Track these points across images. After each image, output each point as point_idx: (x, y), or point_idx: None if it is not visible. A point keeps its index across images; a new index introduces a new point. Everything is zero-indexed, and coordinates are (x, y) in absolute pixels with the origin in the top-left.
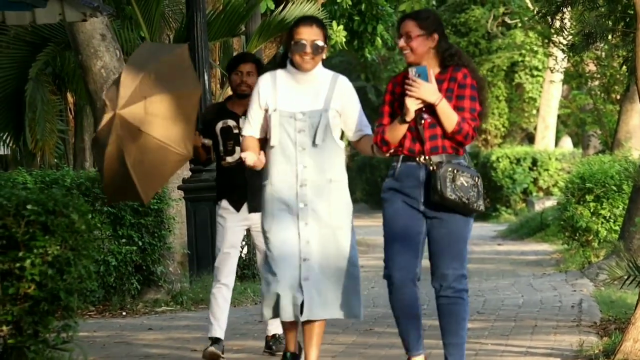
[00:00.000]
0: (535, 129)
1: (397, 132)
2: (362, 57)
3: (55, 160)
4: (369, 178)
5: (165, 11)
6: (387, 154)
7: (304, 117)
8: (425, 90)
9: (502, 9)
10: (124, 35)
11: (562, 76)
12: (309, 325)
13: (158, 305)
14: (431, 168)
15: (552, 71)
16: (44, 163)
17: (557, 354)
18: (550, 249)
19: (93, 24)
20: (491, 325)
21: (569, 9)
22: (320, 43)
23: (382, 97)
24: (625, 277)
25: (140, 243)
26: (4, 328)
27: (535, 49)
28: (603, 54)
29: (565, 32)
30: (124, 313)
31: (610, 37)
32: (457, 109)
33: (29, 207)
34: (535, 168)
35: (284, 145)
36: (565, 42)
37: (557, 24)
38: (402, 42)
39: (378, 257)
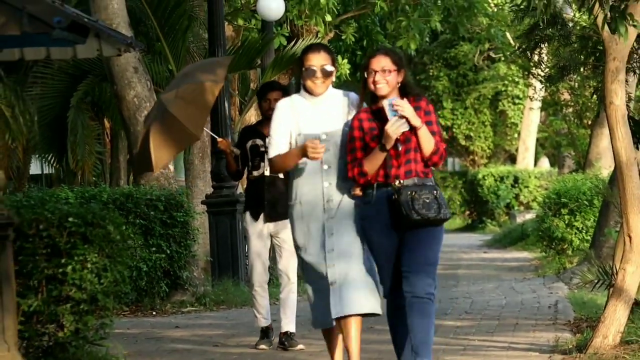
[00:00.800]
0: (516, 150)
1: (376, 161)
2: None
3: (94, 178)
4: None
5: (190, 47)
6: (364, 184)
7: (327, 137)
8: (410, 111)
9: (487, 45)
10: (154, 68)
11: (540, 104)
12: (345, 323)
13: (184, 306)
14: (394, 197)
15: (531, 99)
16: (83, 181)
17: (536, 348)
18: (530, 256)
19: (127, 58)
20: (477, 324)
21: (546, 44)
22: (329, 67)
23: (349, 134)
24: (596, 281)
25: (168, 251)
26: (49, 326)
27: (517, 79)
28: (576, 84)
29: (542, 65)
30: (154, 313)
31: (582, 69)
32: (430, 133)
33: (70, 219)
34: (516, 185)
35: (309, 165)
36: (542, 73)
37: (536, 58)
38: (378, 76)
39: None
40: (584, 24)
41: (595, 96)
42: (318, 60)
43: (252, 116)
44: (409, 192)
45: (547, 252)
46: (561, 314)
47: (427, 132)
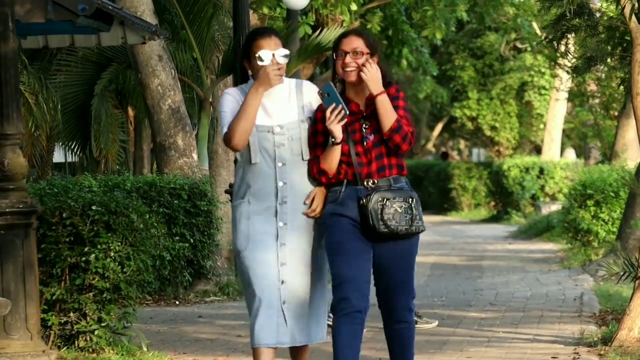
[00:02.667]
0: (542, 141)
1: (332, 158)
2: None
3: (117, 166)
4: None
5: (214, 35)
6: (327, 183)
7: (282, 130)
8: (372, 76)
9: (513, 35)
10: (178, 57)
11: (566, 95)
12: (294, 351)
13: (207, 295)
14: (361, 202)
15: (557, 90)
16: (107, 169)
17: (561, 341)
18: (555, 248)
19: (151, 46)
20: (502, 315)
21: (573, 35)
22: (283, 52)
23: (310, 128)
24: (622, 273)
25: (191, 240)
26: (72, 315)
27: (543, 70)
28: (603, 75)
29: (569, 55)
30: (177, 302)
31: (609, 60)
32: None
33: (93, 207)
34: (542, 176)
35: (262, 162)
36: (569, 64)
37: (562, 48)
38: (348, 59)
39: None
40: (611, 15)
41: (622, 87)
42: (270, 47)
43: None
44: (380, 199)
45: (573, 244)
46: (586, 306)
47: (388, 102)
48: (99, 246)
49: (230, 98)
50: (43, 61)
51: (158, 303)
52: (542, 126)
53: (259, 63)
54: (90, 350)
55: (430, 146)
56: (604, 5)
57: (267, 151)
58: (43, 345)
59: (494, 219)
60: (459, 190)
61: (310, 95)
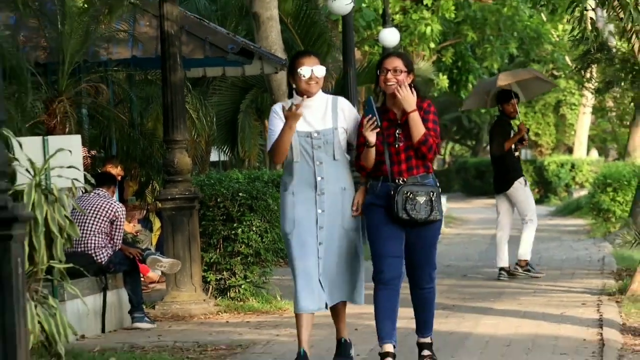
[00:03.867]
0: (573, 144)
1: (368, 157)
2: (459, 97)
3: (257, 164)
4: (463, 176)
5: (328, 67)
6: (366, 176)
7: (319, 136)
8: (405, 96)
9: (551, 65)
10: None
11: (591, 109)
12: (333, 309)
13: None
14: (391, 192)
15: (584, 106)
16: (249, 166)
17: (588, 291)
18: (583, 223)
19: (282, 75)
20: (545, 274)
21: (596, 65)
22: (320, 68)
23: (358, 130)
24: (633, 242)
25: None
26: (225, 273)
27: (573, 91)
28: (618, 94)
29: (593, 80)
30: None
31: (622, 83)
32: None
33: (240, 194)
34: (573, 169)
35: (302, 161)
36: (593, 87)
37: (588, 75)
38: (389, 75)
39: (469, 228)
40: (624, 50)
41: (632, 104)
42: (310, 63)
43: None
44: (406, 192)
45: (596, 220)
46: (607, 266)
47: (418, 119)
48: (244, 222)
49: (276, 117)
50: (202, 87)
51: (288, 264)
52: (573, 133)
53: (301, 77)
54: (239, 299)
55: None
56: (619, 43)
57: (307, 152)
58: (204, 295)
59: (537, 202)
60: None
61: (344, 107)
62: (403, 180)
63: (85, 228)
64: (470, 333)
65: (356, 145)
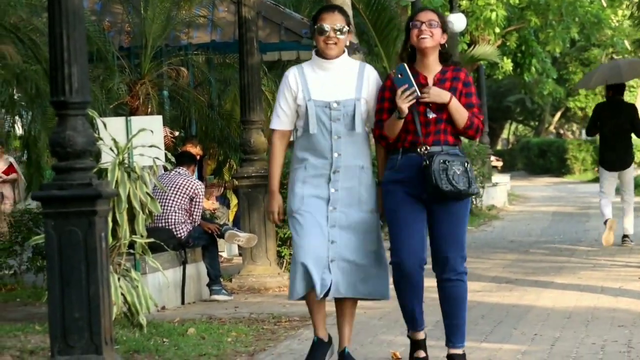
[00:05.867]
0: None
1: (394, 128)
2: (522, 79)
3: None
4: (526, 155)
5: (397, 50)
6: (385, 146)
7: (338, 106)
8: (435, 94)
9: (611, 49)
10: (373, 65)
11: None
12: (340, 304)
13: None
14: (424, 163)
15: None
16: None
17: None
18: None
19: (355, 58)
20: (603, 249)
21: None
22: (343, 27)
23: (379, 93)
24: None
25: None
26: None
27: None
28: None
29: None
30: None
31: None
32: (467, 105)
33: None
34: None
35: (318, 134)
36: None
37: None
38: (424, 27)
39: (531, 205)
40: None
41: None
42: (332, 21)
43: None
44: (442, 160)
45: None
46: None
47: (459, 105)
48: None
49: (285, 89)
50: (277, 70)
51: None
52: None
53: (318, 36)
54: None
55: (551, 128)
56: None
57: (325, 125)
58: (278, 269)
59: (596, 180)
60: (572, 159)
61: (370, 76)
62: (426, 149)
63: (166, 204)
64: (532, 306)
65: (376, 111)
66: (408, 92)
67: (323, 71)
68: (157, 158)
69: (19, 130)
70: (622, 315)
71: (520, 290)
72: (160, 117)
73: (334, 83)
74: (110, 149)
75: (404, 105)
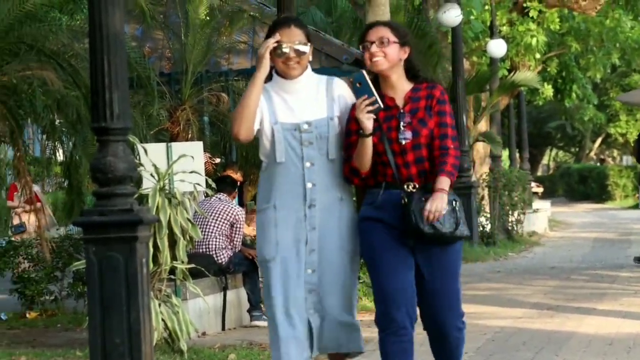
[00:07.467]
0: None
1: (363, 152)
2: (563, 105)
3: None
4: (566, 181)
5: (439, 76)
6: (360, 184)
7: (309, 128)
8: (439, 204)
9: None
10: None
11: None
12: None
13: None
14: (403, 201)
15: None
16: None
17: None
18: None
19: None
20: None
21: None
22: (302, 42)
23: (345, 128)
24: None
25: None
26: None
27: None
28: None
29: None
30: None
31: None
32: (440, 124)
33: None
34: None
35: (288, 161)
36: None
37: None
38: (374, 48)
39: (572, 231)
40: None
41: None
42: (289, 38)
43: (482, 126)
44: (421, 198)
45: None
46: None
47: (447, 185)
48: None
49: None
50: None
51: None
52: None
53: (276, 57)
54: None
55: (592, 154)
56: None
57: (295, 150)
58: None
59: (638, 207)
60: (613, 185)
61: (342, 90)
62: (414, 187)
63: (207, 230)
64: (574, 332)
65: (345, 145)
66: (367, 102)
67: (287, 93)
68: (198, 184)
69: (60, 156)
70: None
71: (562, 316)
72: (200, 143)
73: (302, 103)
74: (151, 174)
75: (364, 117)
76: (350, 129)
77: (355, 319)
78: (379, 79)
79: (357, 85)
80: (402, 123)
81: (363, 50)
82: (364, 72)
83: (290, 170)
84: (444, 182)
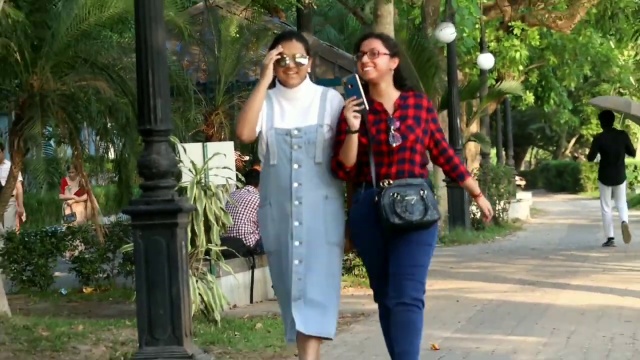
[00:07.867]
0: (635, 149)
1: (348, 148)
2: (542, 110)
3: None
4: (545, 175)
5: (435, 85)
6: (344, 178)
7: (299, 133)
8: (485, 201)
9: (618, 84)
10: None
11: None
12: (305, 345)
13: None
14: (375, 199)
15: None
16: None
17: None
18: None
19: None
20: (612, 255)
21: None
22: (302, 54)
23: (336, 127)
24: None
25: None
26: (350, 255)
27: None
28: None
29: None
30: None
31: None
32: (438, 130)
33: None
34: (636, 170)
35: (279, 163)
36: None
37: None
38: (365, 58)
39: (550, 218)
40: None
41: None
42: (290, 49)
43: (474, 128)
44: (392, 194)
45: None
46: None
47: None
48: None
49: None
50: None
51: None
52: (636, 140)
53: (277, 66)
54: (361, 276)
55: (567, 152)
56: None
57: (285, 153)
58: None
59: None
60: (585, 179)
61: (333, 101)
62: (389, 184)
63: (237, 217)
64: (552, 304)
65: (335, 142)
66: (355, 102)
67: (286, 100)
68: (229, 178)
69: (111, 154)
70: (628, 312)
71: (541, 290)
72: (231, 143)
73: (296, 111)
74: (189, 170)
75: (350, 115)
76: (341, 129)
77: (332, 306)
78: (368, 85)
79: (349, 86)
80: (392, 127)
81: (356, 59)
82: (357, 75)
83: (281, 171)
84: (474, 185)
